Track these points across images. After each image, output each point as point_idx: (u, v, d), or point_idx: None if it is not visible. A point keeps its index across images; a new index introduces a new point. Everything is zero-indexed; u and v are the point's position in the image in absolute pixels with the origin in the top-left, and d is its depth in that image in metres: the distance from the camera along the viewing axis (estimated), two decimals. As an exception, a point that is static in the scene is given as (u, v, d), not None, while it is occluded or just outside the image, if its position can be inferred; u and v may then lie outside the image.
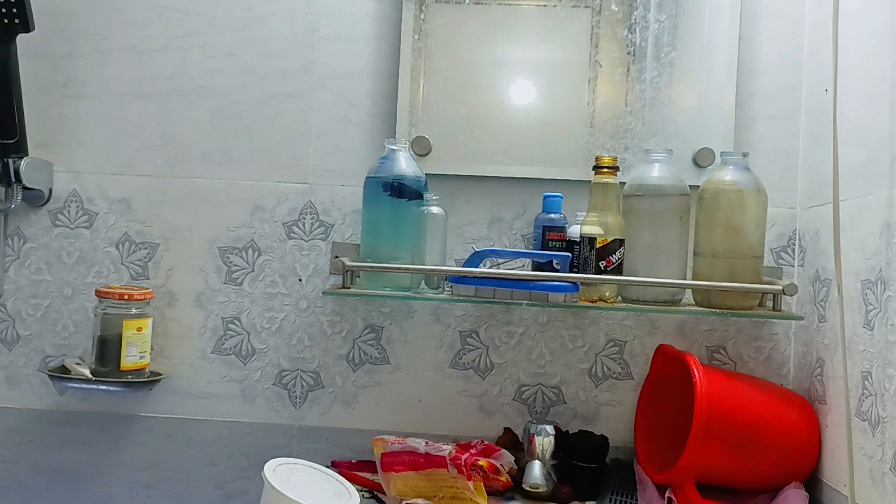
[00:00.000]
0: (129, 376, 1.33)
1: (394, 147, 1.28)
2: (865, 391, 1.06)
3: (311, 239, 1.41)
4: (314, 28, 1.42)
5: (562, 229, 1.30)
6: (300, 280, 1.41)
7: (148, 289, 1.37)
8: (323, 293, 1.40)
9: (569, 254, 1.24)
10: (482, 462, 1.19)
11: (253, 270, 1.42)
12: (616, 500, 1.19)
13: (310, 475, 1.13)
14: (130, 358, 1.33)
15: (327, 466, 1.20)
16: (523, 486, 1.19)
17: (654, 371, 1.33)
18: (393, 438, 1.20)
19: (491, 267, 1.32)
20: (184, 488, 1.42)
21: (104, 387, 1.33)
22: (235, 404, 1.41)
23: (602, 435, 1.30)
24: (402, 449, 1.17)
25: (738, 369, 1.36)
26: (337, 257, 1.35)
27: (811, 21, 1.35)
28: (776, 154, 1.36)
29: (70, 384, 1.36)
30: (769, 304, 1.24)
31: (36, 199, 1.43)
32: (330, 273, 1.40)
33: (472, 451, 1.22)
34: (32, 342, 1.44)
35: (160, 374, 1.38)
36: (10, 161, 1.35)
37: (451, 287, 1.27)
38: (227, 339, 1.42)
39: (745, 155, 1.23)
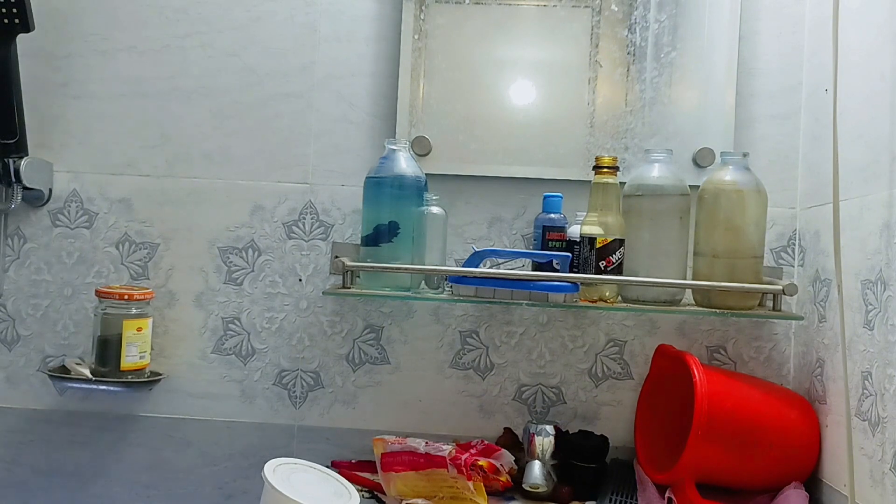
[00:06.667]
0: (129, 376, 1.33)
1: (394, 147, 1.28)
2: (865, 391, 1.06)
3: (311, 239, 1.41)
4: (314, 28, 1.42)
5: (562, 229, 1.30)
6: (300, 280, 1.41)
7: (148, 289, 1.37)
8: (323, 293, 1.40)
9: (569, 254, 1.24)
10: (482, 462, 1.18)
11: (253, 270, 1.42)
12: (616, 500, 1.19)
13: (310, 475, 1.13)
14: (130, 358, 1.33)
15: (327, 466, 1.20)
16: (523, 486, 1.19)
17: (654, 371, 1.33)
18: (393, 438, 1.20)
19: (491, 267, 1.32)
20: (184, 488, 1.42)
21: (104, 387, 1.33)
22: (235, 404, 1.41)
23: (602, 435, 1.30)
24: (402, 449, 1.17)
25: (738, 369, 1.36)
26: (337, 257, 1.35)
27: (811, 20, 1.35)
28: (776, 154, 1.36)
29: (70, 384, 1.36)
30: (769, 304, 1.24)
31: (36, 199, 1.42)
32: (330, 273, 1.40)
33: (472, 451, 1.22)
34: (32, 342, 1.44)
35: (160, 374, 1.38)
36: (10, 161, 1.35)
37: (451, 287, 1.27)
38: (227, 339, 1.42)
39: (745, 155, 1.23)
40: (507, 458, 1.22)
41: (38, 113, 1.42)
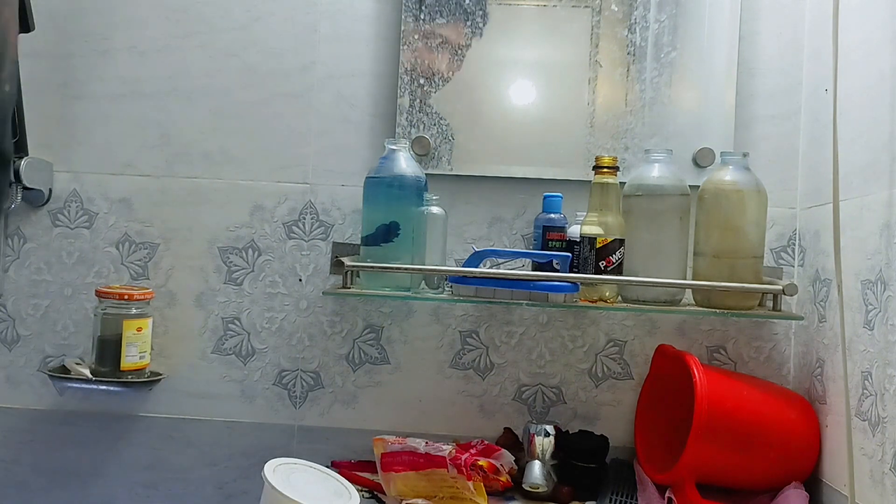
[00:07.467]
0: (129, 376, 1.33)
1: (394, 147, 1.28)
2: (865, 391, 1.06)
3: (311, 239, 1.41)
4: (314, 28, 1.42)
5: (562, 229, 1.30)
6: (300, 280, 1.41)
7: (148, 289, 1.37)
8: (323, 293, 1.40)
9: (569, 254, 1.24)
10: (482, 462, 1.19)
11: (253, 270, 1.42)
12: (616, 500, 1.19)
13: (310, 475, 1.13)
14: (130, 358, 1.32)
15: (327, 466, 1.20)
16: (523, 486, 1.19)
17: (654, 371, 1.33)
18: (393, 438, 1.20)
19: (491, 267, 1.32)
20: (184, 488, 1.42)
21: (104, 387, 1.33)
22: (235, 404, 1.41)
23: (602, 435, 1.30)
24: (402, 449, 1.17)
25: (738, 369, 1.36)
26: (337, 257, 1.35)
27: (811, 20, 1.35)
28: (776, 154, 1.36)
29: (70, 384, 1.36)
30: (769, 304, 1.24)
31: (36, 199, 1.42)
32: (330, 273, 1.40)
33: (472, 451, 1.22)
34: (32, 342, 1.44)
35: (160, 374, 1.38)
36: (10, 161, 1.35)
37: (451, 287, 1.27)
38: (227, 339, 1.42)
39: (745, 155, 1.23)
40: (507, 458, 1.22)
41: (38, 113, 1.42)
